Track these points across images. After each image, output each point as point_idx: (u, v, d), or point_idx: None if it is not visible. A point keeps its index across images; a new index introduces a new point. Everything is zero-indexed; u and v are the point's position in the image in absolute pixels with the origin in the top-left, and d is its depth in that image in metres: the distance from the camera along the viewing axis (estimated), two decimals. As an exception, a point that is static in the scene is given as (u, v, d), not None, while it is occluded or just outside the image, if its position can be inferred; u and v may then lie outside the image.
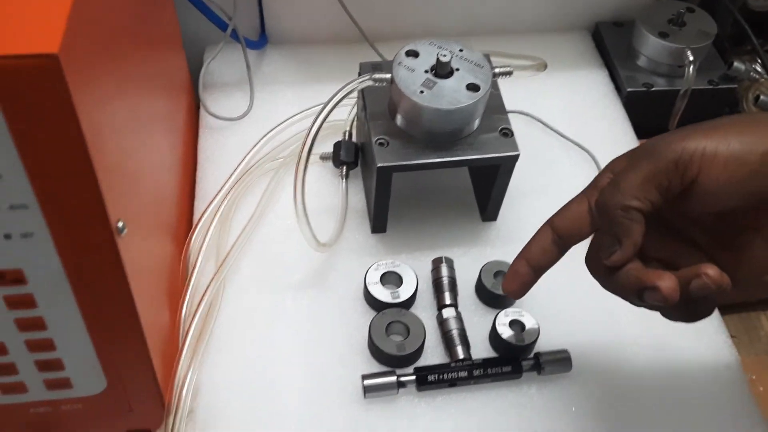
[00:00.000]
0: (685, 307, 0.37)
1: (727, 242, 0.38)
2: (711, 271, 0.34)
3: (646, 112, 0.84)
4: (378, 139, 0.60)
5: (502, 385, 0.59)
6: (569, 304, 0.62)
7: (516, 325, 0.60)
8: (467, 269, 0.65)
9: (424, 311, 0.63)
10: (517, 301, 0.64)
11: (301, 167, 0.57)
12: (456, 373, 0.57)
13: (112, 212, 0.42)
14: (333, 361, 0.60)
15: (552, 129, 0.77)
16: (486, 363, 0.58)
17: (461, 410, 0.57)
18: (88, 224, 0.41)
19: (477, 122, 0.61)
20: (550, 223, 0.43)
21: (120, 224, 0.43)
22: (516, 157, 0.61)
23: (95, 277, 0.45)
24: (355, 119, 0.71)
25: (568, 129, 0.77)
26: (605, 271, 0.39)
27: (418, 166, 0.60)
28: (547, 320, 0.61)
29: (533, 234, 0.45)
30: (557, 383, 0.59)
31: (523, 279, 0.45)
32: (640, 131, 0.78)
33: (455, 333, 0.60)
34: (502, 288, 0.49)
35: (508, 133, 0.61)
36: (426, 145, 0.60)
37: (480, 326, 0.62)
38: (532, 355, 0.60)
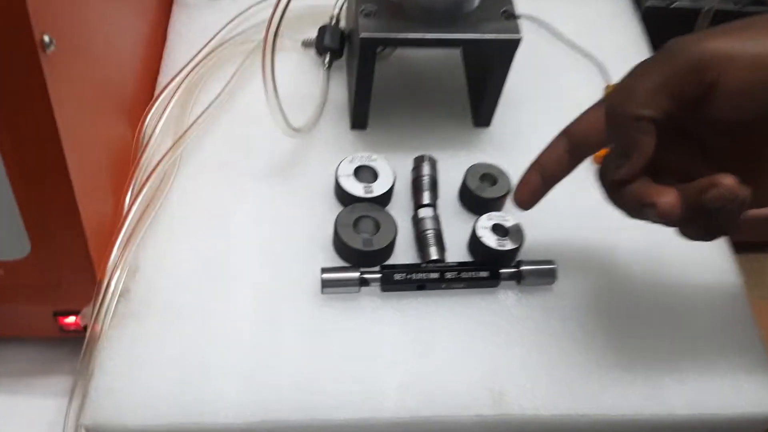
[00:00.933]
0: (702, 224, 0.35)
1: (748, 154, 0.35)
2: (727, 180, 0.31)
3: (665, 29, 0.76)
4: (363, 9, 0.53)
5: (477, 292, 0.53)
6: (561, 210, 0.55)
7: (499, 230, 0.54)
8: (452, 173, 0.59)
9: (400, 211, 0.57)
10: (504, 209, 0.58)
11: (271, 33, 0.50)
12: (426, 275, 0.51)
13: (37, 23, 0.36)
14: (292, 255, 0.54)
15: (560, 37, 0.70)
16: (460, 266, 0.52)
17: (428, 316, 0.52)
18: (8, 33, 0.35)
19: (477, 0, 0.54)
20: (565, 130, 0.42)
21: (46, 38, 0.37)
22: (517, 42, 0.54)
23: (17, 106, 0.39)
24: (345, 3, 0.64)
25: (578, 39, 0.70)
26: (612, 184, 0.37)
27: (407, 41, 0.53)
28: (534, 227, 0.55)
29: (547, 143, 0.43)
30: (538, 296, 0.53)
31: (534, 188, 0.44)
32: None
33: (430, 234, 0.54)
34: (512, 199, 0.47)
35: (510, 15, 0.54)
36: (419, 20, 0.53)
37: (460, 232, 0.56)
38: (513, 264, 0.54)
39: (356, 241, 0.52)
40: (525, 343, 0.51)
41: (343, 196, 0.56)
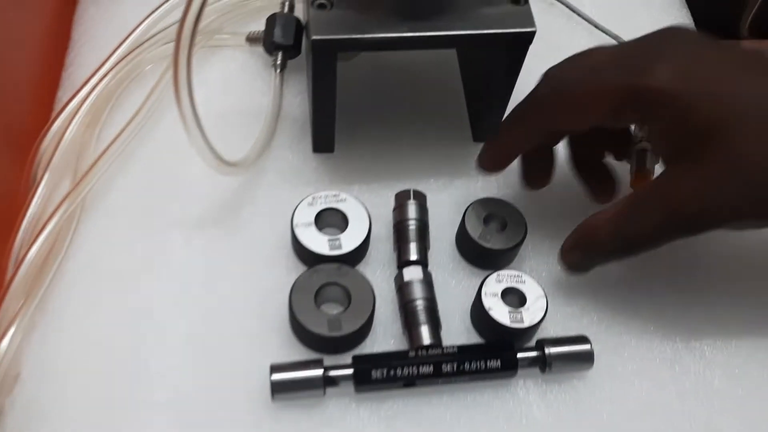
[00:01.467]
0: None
1: None
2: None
3: (712, 4, 0.62)
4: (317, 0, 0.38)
5: (487, 387, 0.39)
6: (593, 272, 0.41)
7: (512, 296, 0.40)
8: (446, 210, 0.45)
9: (378, 271, 0.43)
10: (517, 260, 0.44)
11: (188, 27, 0.34)
12: (416, 368, 0.37)
13: None
14: (235, 341, 0.40)
15: (581, 16, 0.54)
16: (464, 353, 0.38)
17: (420, 423, 0.38)
18: None
19: (473, -19, 0.39)
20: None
21: None
22: (530, 36, 0.39)
23: None
24: (299, -15, 0.49)
25: (604, 17, 0.55)
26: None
27: (375, 42, 0.38)
28: (558, 290, 0.41)
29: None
30: (570, 388, 0.39)
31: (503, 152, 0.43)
32: (701, 28, 0.56)
33: (420, 306, 0.39)
34: (476, 162, 0.43)
35: (519, 0, 0.39)
36: (393, 13, 0.38)
37: (459, 296, 0.42)
38: (533, 342, 0.40)
39: (319, 323, 0.38)
40: (554, 460, 0.37)
41: (301, 252, 0.42)
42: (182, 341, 0.39)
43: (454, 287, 0.43)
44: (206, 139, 0.38)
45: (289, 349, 0.39)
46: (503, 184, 0.47)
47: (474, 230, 0.42)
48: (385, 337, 0.40)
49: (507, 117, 0.42)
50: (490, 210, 0.43)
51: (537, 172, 0.44)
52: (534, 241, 0.43)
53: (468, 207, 0.43)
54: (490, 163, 0.43)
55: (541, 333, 0.41)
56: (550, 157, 0.43)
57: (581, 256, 0.40)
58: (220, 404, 0.37)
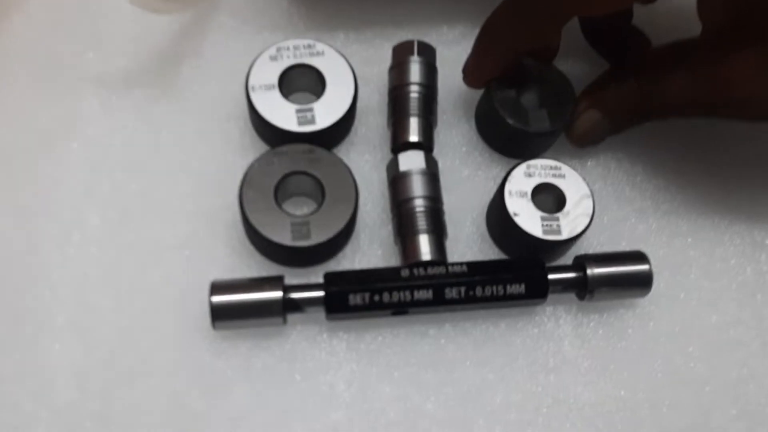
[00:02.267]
0: None
1: None
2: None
3: None
4: None
5: (504, 316, 0.29)
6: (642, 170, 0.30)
7: (547, 195, 0.29)
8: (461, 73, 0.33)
9: (364, 155, 0.32)
10: (557, 145, 0.32)
11: None
12: (409, 292, 0.27)
13: None
14: (166, 247, 0.30)
15: None
16: (476, 273, 0.28)
17: (412, 364, 0.28)
18: None
19: None
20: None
21: None
22: None
23: None
24: None
25: None
26: None
27: None
28: (606, 187, 0.31)
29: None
30: (615, 320, 0.30)
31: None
32: None
33: (419, 206, 0.29)
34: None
35: None
36: None
37: (473, 191, 0.32)
38: (570, 259, 0.29)
39: (279, 228, 0.28)
40: (595, 418, 0.28)
41: (260, 127, 0.31)
42: (94, 243, 0.29)
43: (467, 179, 0.32)
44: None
45: (242, 262, 0.29)
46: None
47: (502, 103, 0.30)
48: (371, 246, 0.30)
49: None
50: (526, 75, 0.31)
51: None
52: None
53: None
54: (473, 81, 0.31)
55: (581, 245, 0.30)
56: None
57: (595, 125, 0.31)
58: (143, 331, 0.28)
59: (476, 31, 0.34)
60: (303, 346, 0.28)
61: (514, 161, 0.32)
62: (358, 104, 0.31)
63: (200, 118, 0.32)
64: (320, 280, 0.28)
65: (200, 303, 0.28)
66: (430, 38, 0.34)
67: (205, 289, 0.27)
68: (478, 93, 0.33)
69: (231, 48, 0.33)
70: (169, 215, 0.30)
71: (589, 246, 0.31)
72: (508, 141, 0.32)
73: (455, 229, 0.30)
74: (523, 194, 0.29)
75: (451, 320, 0.29)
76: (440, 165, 0.31)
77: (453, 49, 0.34)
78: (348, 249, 0.30)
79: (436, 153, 0.31)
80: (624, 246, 0.31)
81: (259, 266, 0.29)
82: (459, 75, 0.33)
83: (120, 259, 0.29)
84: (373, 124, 0.33)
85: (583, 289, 0.28)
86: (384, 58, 0.33)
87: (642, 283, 0.29)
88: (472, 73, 0.31)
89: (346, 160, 0.31)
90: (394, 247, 0.30)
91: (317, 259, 0.29)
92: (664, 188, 0.32)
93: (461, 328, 0.29)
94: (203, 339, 0.28)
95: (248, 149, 0.31)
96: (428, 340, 0.29)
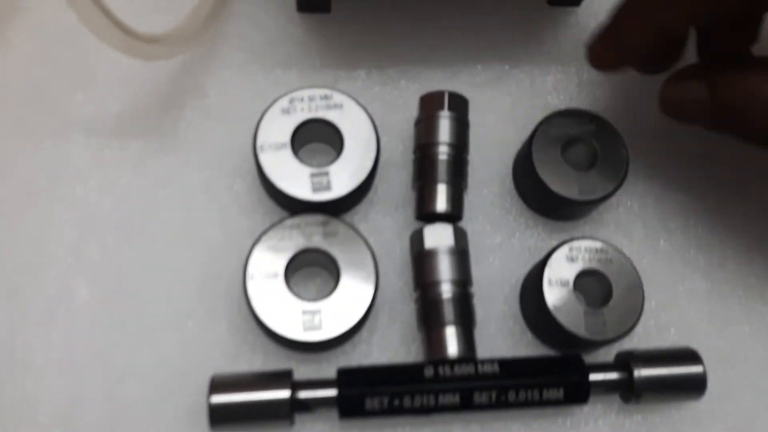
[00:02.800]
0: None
1: None
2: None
3: None
4: None
5: (539, 416, 0.26)
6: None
7: (591, 283, 0.26)
8: (499, 119, 0.30)
9: (385, 216, 0.28)
10: (602, 208, 0.29)
11: None
12: (433, 397, 0.24)
13: None
14: (162, 326, 0.27)
15: None
16: (509, 373, 0.25)
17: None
18: None
19: None
20: None
21: None
22: None
23: None
24: None
25: None
26: None
27: None
28: (654, 268, 0.27)
29: None
30: (663, 424, 0.27)
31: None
32: None
33: (446, 292, 0.25)
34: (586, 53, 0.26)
35: None
36: None
37: (507, 260, 0.28)
38: (612, 355, 0.26)
39: (288, 316, 0.25)
40: None
41: (271, 190, 0.27)
42: (83, 321, 0.26)
43: (500, 247, 0.28)
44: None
45: (246, 344, 0.26)
46: (586, 88, 0.30)
47: (543, 164, 0.27)
48: (391, 326, 0.27)
49: None
50: (574, 130, 0.27)
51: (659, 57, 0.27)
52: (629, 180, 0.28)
53: (540, 123, 0.27)
54: (604, 60, 0.26)
55: (629, 343, 0.27)
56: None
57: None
58: (136, 426, 0.25)
59: (515, 72, 0.31)
60: (311, 449, 0.26)
61: (555, 224, 0.28)
62: (378, 164, 0.28)
63: (203, 172, 0.28)
64: (332, 370, 0.25)
65: (198, 391, 0.25)
66: (462, 78, 0.30)
67: (205, 374, 0.24)
68: (516, 143, 0.29)
69: (239, 87, 0.29)
70: (166, 287, 0.27)
71: (633, 333, 0.27)
72: (549, 205, 0.28)
73: (485, 309, 0.27)
74: (564, 283, 0.25)
75: (478, 420, 0.26)
76: (470, 230, 0.27)
77: (486, 93, 0.30)
78: (365, 328, 0.27)
79: (466, 215, 0.28)
80: (672, 334, 0.28)
81: (265, 349, 0.26)
82: (494, 124, 0.30)
83: (111, 340, 0.26)
84: (395, 180, 0.29)
85: (629, 391, 0.25)
86: (409, 103, 0.29)
87: (695, 386, 0.25)
88: (603, 51, 0.25)
89: (364, 223, 0.28)
90: (416, 328, 0.26)
91: (329, 347, 0.26)
92: (720, 266, 0.29)
93: (489, 429, 0.26)
94: (201, 437, 0.25)
95: (257, 209, 0.28)
96: (454, 445, 0.26)
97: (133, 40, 0.24)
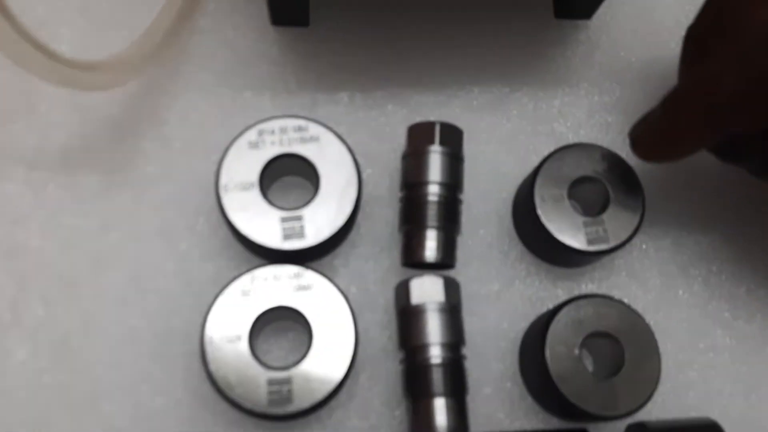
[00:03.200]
0: None
1: None
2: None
3: None
4: None
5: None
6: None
7: (601, 348, 0.23)
8: (498, 151, 0.27)
9: (367, 260, 0.25)
10: (617, 271, 0.25)
11: None
12: (419, 481, 0.21)
13: None
14: (114, 393, 0.23)
15: None
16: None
17: None
18: None
19: None
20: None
21: None
22: None
23: None
24: None
25: None
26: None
27: None
28: (672, 321, 0.24)
29: None
30: None
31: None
32: None
33: (435, 358, 0.22)
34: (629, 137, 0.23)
35: None
36: None
37: (505, 311, 0.25)
38: (624, 428, 0.23)
39: (253, 387, 0.21)
40: None
41: (239, 237, 0.24)
42: (20, 386, 0.23)
43: (497, 296, 0.25)
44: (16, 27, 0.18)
45: (207, 413, 0.23)
46: (612, 109, 0.27)
47: (546, 208, 0.23)
48: (372, 389, 0.24)
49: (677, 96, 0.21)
50: (584, 167, 0.24)
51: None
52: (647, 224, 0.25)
53: (544, 160, 0.24)
54: (655, 155, 0.23)
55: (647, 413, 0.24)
56: None
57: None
58: None
59: (517, 96, 0.27)
60: None
61: (560, 270, 0.25)
62: (363, 191, 0.24)
63: (161, 212, 0.25)
64: (305, 448, 0.22)
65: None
66: (457, 102, 0.27)
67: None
68: (517, 176, 0.26)
69: (204, 114, 0.26)
70: (116, 347, 0.23)
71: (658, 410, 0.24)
72: (554, 253, 0.25)
73: (480, 368, 0.24)
74: (570, 347, 0.22)
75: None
76: (463, 276, 0.24)
77: (484, 119, 0.27)
78: (344, 391, 0.24)
79: (460, 260, 0.25)
80: (691, 398, 0.24)
81: (228, 418, 0.23)
82: (492, 155, 0.26)
83: (52, 409, 0.23)
84: (380, 218, 0.26)
85: (642, 470, 0.22)
86: (398, 130, 0.26)
87: (716, 464, 0.22)
88: (656, 144, 0.22)
89: (344, 268, 0.25)
90: (401, 392, 0.23)
91: (301, 416, 0.23)
92: (747, 320, 0.25)
93: None
94: None
95: (222, 255, 0.25)
96: None
97: (65, 68, 0.20)
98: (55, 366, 0.23)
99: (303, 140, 0.24)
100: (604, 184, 0.24)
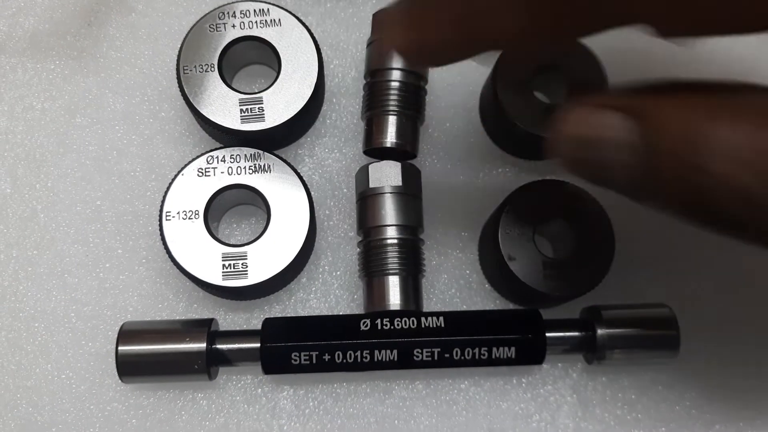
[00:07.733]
0: None
1: None
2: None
3: None
4: None
5: (492, 374, 0.24)
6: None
7: (556, 225, 0.23)
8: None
9: (332, 150, 0.25)
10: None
11: None
12: (368, 353, 0.22)
13: None
14: (79, 267, 0.24)
15: None
16: (455, 329, 0.22)
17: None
18: None
19: None
20: None
21: None
22: None
23: None
24: None
25: None
26: None
27: None
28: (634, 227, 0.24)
29: None
30: (630, 387, 0.24)
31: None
32: None
33: (391, 237, 0.22)
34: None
35: None
36: None
37: (473, 202, 0.25)
38: (580, 315, 0.23)
39: (210, 262, 0.22)
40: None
41: (197, 118, 0.24)
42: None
43: (463, 187, 0.25)
44: None
45: (168, 288, 0.24)
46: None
47: (509, 96, 0.23)
48: (332, 273, 0.24)
49: None
50: (545, 56, 0.24)
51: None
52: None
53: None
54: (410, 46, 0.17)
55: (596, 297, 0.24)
56: None
57: None
58: (46, 379, 0.23)
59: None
60: (238, 402, 0.23)
61: (527, 163, 0.25)
62: (330, 83, 0.25)
63: (126, 97, 0.25)
64: (258, 324, 0.22)
65: (114, 339, 0.23)
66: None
67: (121, 321, 0.22)
68: (483, 73, 0.26)
69: (170, 1, 0.26)
70: (81, 225, 0.24)
71: (602, 288, 0.24)
72: (519, 144, 0.25)
73: (440, 255, 0.24)
74: (524, 230, 0.22)
75: (423, 377, 0.23)
76: (428, 169, 0.24)
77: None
78: (304, 274, 0.24)
79: (424, 152, 0.25)
80: (643, 292, 0.24)
81: (189, 295, 0.24)
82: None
83: (18, 282, 0.24)
84: (346, 108, 0.26)
85: (592, 351, 0.23)
86: (366, 21, 0.26)
87: (667, 344, 0.22)
88: (402, 30, 0.17)
89: (309, 158, 0.25)
90: (357, 281, 0.24)
91: (258, 294, 0.24)
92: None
93: (435, 387, 0.23)
94: (116, 389, 0.23)
95: (185, 140, 0.25)
96: (392, 401, 0.23)
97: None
98: (23, 241, 0.24)
99: (264, 24, 0.24)
100: (562, 70, 0.24)
